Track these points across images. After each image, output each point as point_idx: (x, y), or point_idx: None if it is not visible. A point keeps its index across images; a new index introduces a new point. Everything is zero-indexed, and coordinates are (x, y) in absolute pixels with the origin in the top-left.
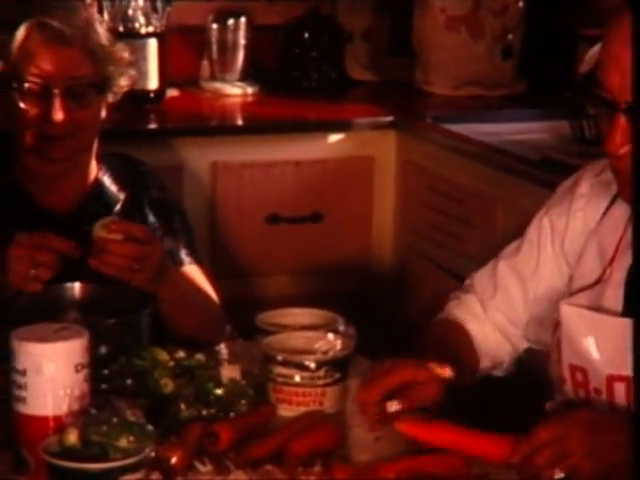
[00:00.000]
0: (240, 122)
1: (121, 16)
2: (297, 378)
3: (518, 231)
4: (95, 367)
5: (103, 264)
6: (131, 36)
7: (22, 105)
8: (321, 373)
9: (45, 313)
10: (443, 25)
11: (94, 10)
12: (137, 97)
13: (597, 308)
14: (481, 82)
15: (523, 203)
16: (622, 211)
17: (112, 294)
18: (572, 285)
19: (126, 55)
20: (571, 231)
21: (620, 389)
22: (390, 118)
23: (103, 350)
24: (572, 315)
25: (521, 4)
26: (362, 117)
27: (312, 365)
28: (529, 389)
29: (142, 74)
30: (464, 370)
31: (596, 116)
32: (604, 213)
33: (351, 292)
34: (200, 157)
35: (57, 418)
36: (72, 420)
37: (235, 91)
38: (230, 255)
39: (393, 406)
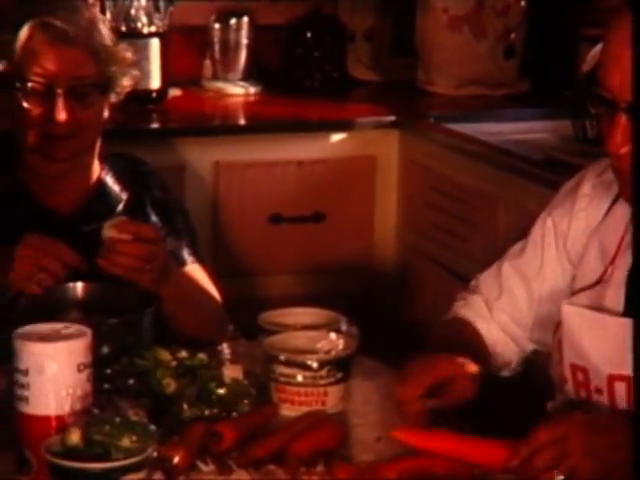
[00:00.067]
0: (242, 122)
1: (123, 16)
2: (299, 378)
3: (521, 231)
4: (97, 367)
5: (112, 264)
6: (133, 36)
7: (25, 105)
8: (323, 373)
9: (47, 313)
10: (445, 25)
11: (97, 10)
12: (139, 97)
13: (598, 308)
14: (483, 82)
15: (526, 203)
16: (624, 211)
17: (114, 294)
18: (574, 285)
19: (129, 55)
20: (574, 231)
21: (621, 389)
22: (392, 118)
23: (105, 350)
24: (573, 315)
25: (523, 4)
26: (364, 117)
27: (314, 365)
28: (531, 389)
29: (144, 74)
30: (484, 367)
31: (597, 116)
32: (606, 213)
33: (353, 292)
34: (202, 157)
35: (59, 418)
36: (74, 420)
37: (237, 91)
38: (232, 255)
39: (430, 403)
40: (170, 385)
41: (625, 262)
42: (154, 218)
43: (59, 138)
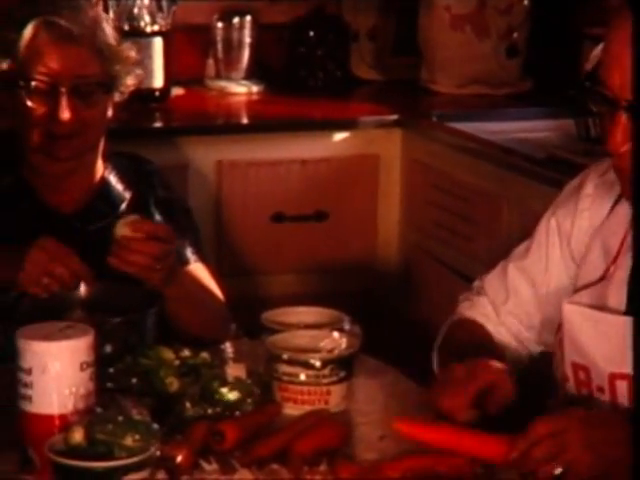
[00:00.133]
0: (245, 121)
1: (126, 15)
2: (302, 377)
3: (524, 229)
4: (100, 366)
5: (124, 262)
6: (136, 35)
7: (29, 103)
8: (326, 372)
9: (50, 312)
10: (448, 24)
11: (101, 9)
12: (142, 96)
13: (600, 306)
14: (486, 81)
15: (528, 201)
16: (626, 210)
17: (117, 293)
18: (576, 283)
19: (133, 54)
20: (577, 231)
21: (622, 387)
22: (395, 117)
23: (108, 349)
24: (574, 314)
25: (526, 2)
26: (367, 116)
27: (317, 363)
28: (533, 388)
29: (147, 73)
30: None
31: (599, 114)
32: (609, 212)
33: (356, 291)
34: (205, 156)
35: (62, 417)
36: (77, 419)
37: (240, 90)
38: (235, 254)
39: (477, 413)
40: (173, 384)
41: (627, 261)
42: (158, 217)
43: (62, 137)
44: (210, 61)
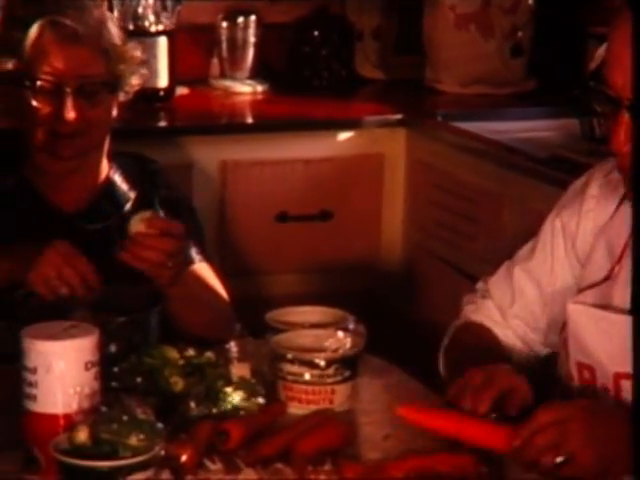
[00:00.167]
0: (250, 120)
1: (131, 14)
2: (307, 376)
3: (526, 229)
4: (105, 365)
5: (137, 258)
6: (141, 34)
7: (34, 103)
8: (331, 371)
9: (55, 311)
10: (453, 23)
11: (106, 9)
12: (147, 95)
13: (605, 305)
14: (490, 80)
15: (532, 201)
16: (631, 210)
17: (122, 293)
18: (581, 283)
19: (138, 54)
20: (582, 232)
21: (627, 386)
22: (399, 116)
23: (113, 348)
24: (578, 313)
25: (531, 2)
26: (371, 115)
27: (322, 363)
28: (540, 390)
29: (152, 72)
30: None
31: (603, 114)
32: (613, 212)
33: (360, 290)
34: (209, 155)
35: (67, 416)
36: (82, 418)
37: (245, 89)
38: (239, 253)
39: (496, 417)
40: (178, 383)
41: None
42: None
43: (67, 136)
44: (214, 61)
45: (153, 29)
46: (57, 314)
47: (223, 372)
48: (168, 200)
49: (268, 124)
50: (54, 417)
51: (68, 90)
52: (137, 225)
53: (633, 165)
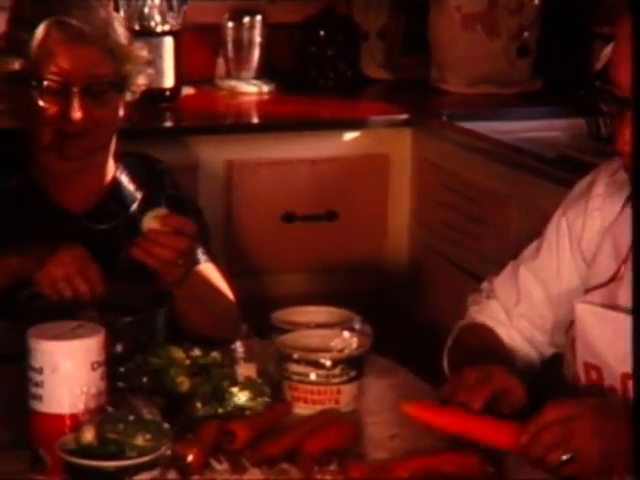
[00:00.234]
0: (255, 120)
1: (137, 14)
2: (313, 376)
3: (534, 229)
4: (111, 365)
5: (148, 255)
6: (147, 34)
7: (41, 103)
8: (337, 371)
9: (61, 311)
10: (459, 23)
11: (112, 9)
12: (153, 95)
13: (611, 306)
14: (496, 80)
15: (538, 201)
16: None
17: (128, 292)
18: (587, 283)
19: (144, 54)
20: (588, 231)
21: None
22: (405, 116)
23: (119, 348)
24: (586, 313)
25: (537, 2)
26: (377, 115)
27: (328, 363)
28: (544, 389)
29: (158, 72)
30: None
31: (609, 113)
32: (619, 212)
33: (366, 290)
34: (215, 155)
35: (73, 416)
36: (88, 418)
37: (250, 89)
38: (245, 253)
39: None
40: (184, 383)
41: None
42: None
43: (73, 136)
44: (220, 61)
45: (159, 29)
46: (63, 314)
47: (229, 372)
48: (174, 200)
49: (274, 124)
50: (60, 417)
51: (75, 90)
52: (150, 222)
53: (633, 165)
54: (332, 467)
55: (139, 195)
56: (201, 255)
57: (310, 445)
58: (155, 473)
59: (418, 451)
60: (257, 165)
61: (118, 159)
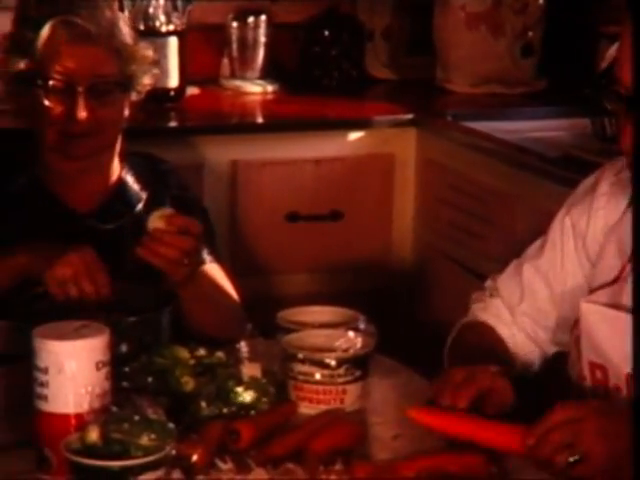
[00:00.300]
0: (260, 120)
1: (142, 15)
2: (318, 376)
3: (538, 229)
4: (116, 365)
5: (154, 255)
6: (152, 34)
7: (46, 102)
8: (342, 371)
9: (66, 311)
10: (463, 23)
11: (118, 8)
12: (158, 95)
13: (616, 305)
14: (501, 80)
15: (543, 201)
16: None
17: (133, 292)
18: (592, 283)
19: (150, 54)
20: (592, 230)
21: None
22: (410, 116)
23: (124, 348)
24: (591, 312)
25: (541, 2)
26: (382, 115)
27: (333, 363)
28: (549, 388)
29: (163, 72)
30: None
31: (614, 113)
32: (624, 211)
33: (370, 290)
34: (220, 155)
35: (78, 416)
36: (93, 418)
37: (255, 89)
38: (250, 253)
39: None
40: (189, 383)
41: None
42: None
43: (79, 136)
44: (225, 61)
45: (164, 29)
46: (68, 314)
47: (234, 372)
48: (180, 200)
49: (278, 124)
50: (65, 417)
51: (80, 89)
52: (156, 221)
53: (633, 165)
54: (337, 467)
55: (144, 195)
56: (206, 255)
57: (315, 445)
58: (160, 473)
59: (423, 451)
60: (262, 165)
61: (123, 159)
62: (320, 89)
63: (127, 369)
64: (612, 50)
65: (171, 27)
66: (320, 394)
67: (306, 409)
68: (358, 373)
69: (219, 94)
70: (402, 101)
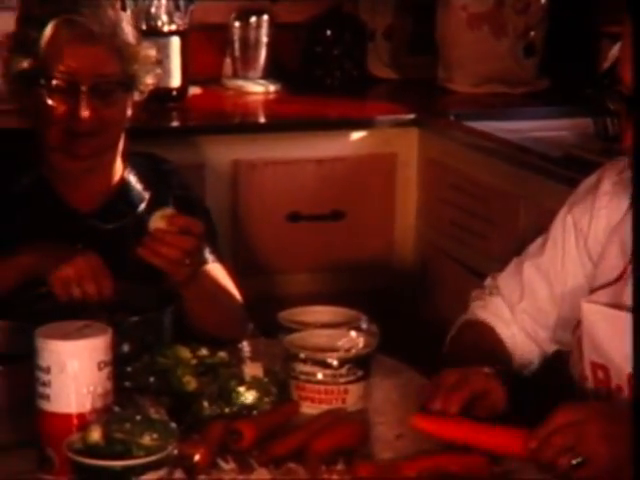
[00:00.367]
0: (262, 120)
1: (144, 14)
2: (320, 376)
3: (540, 229)
4: (118, 365)
5: (155, 254)
6: (154, 34)
7: (49, 102)
8: (344, 371)
9: (69, 311)
10: (465, 23)
11: (121, 8)
12: (160, 95)
13: (618, 305)
14: (503, 80)
15: (545, 200)
16: None
17: (135, 292)
18: (594, 282)
19: (153, 53)
20: (594, 229)
21: None
22: (412, 116)
23: (126, 348)
24: (593, 312)
25: (543, 1)
26: (384, 115)
27: (335, 363)
28: (550, 388)
29: (165, 72)
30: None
31: (617, 112)
32: (626, 211)
33: (372, 290)
34: (222, 155)
35: (80, 415)
36: (95, 417)
37: (257, 89)
38: (251, 253)
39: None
40: (190, 383)
41: None
42: None
43: (82, 135)
44: (227, 60)
45: (166, 29)
46: (70, 314)
47: (236, 372)
48: (182, 200)
49: (280, 124)
50: (67, 416)
51: (83, 89)
52: (157, 221)
53: (634, 165)
54: (339, 466)
55: (147, 195)
56: (208, 255)
57: (317, 445)
58: (162, 473)
59: (425, 451)
60: (264, 165)
61: (126, 159)
62: (322, 89)
63: (129, 369)
64: (615, 50)
65: (173, 27)
66: (322, 394)
67: (308, 409)
68: (360, 373)
69: (221, 94)
70: (404, 101)
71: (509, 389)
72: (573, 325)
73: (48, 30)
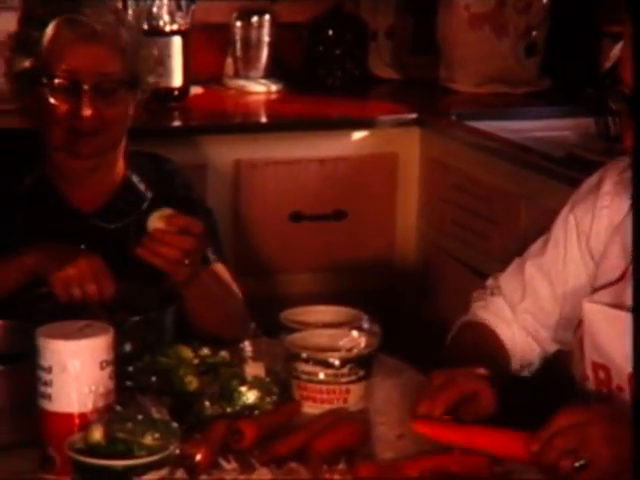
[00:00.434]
0: (264, 120)
1: (146, 14)
2: (321, 375)
3: (542, 228)
4: (120, 364)
5: (154, 254)
6: (156, 34)
7: (51, 101)
8: (345, 370)
9: (70, 311)
10: (467, 22)
11: (122, 8)
12: (161, 95)
13: (619, 305)
14: (505, 79)
15: (547, 200)
16: None
17: (136, 292)
18: (595, 282)
19: (154, 53)
20: (596, 229)
21: None
22: (414, 115)
23: (128, 347)
24: (594, 312)
25: (545, 1)
26: (386, 114)
27: (336, 362)
28: (551, 388)
29: (166, 72)
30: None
31: (618, 112)
32: (628, 210)
33: (374, 289)
34: (224, 155)
35: (82, 415)
36: (97, 417)
37: (259, 89)
38: (253, 253)
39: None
40: (192, 383)
41: None
42: None
43: (84, 134)
44: (229, 60)
45: (167, 29)
46: (72, 314)
47: (237, 371)
48: (184, 200)
49: (282, 123)
50: (69, 416)
51: (85, 88)
52: (156, 222)
53: (633, 165)
54: (341, 466)
55: (149, 195)
56: (211, 255)
57: (319, 444)
58: (163, 472)
59: (426, 451)
60: (265, 164)
61: (128, 158)
62: (324, 89)
63: (131, 368)
64: (616, 50)
65: (175, 27)
66: (324, 394)
67: (310, 409)
68: (362, 373)
69: (223, 94)
70: (406, 101)
71: (499, 391)
72: (574, 325)
73: (50, 29)
